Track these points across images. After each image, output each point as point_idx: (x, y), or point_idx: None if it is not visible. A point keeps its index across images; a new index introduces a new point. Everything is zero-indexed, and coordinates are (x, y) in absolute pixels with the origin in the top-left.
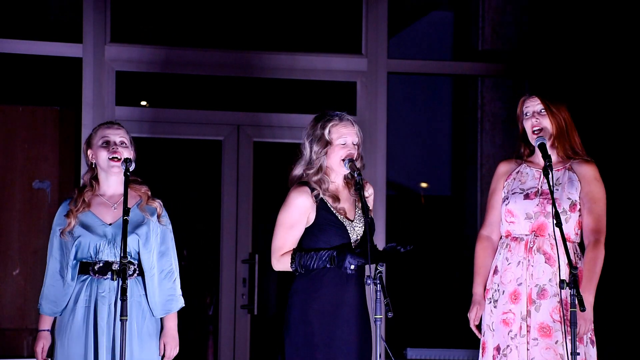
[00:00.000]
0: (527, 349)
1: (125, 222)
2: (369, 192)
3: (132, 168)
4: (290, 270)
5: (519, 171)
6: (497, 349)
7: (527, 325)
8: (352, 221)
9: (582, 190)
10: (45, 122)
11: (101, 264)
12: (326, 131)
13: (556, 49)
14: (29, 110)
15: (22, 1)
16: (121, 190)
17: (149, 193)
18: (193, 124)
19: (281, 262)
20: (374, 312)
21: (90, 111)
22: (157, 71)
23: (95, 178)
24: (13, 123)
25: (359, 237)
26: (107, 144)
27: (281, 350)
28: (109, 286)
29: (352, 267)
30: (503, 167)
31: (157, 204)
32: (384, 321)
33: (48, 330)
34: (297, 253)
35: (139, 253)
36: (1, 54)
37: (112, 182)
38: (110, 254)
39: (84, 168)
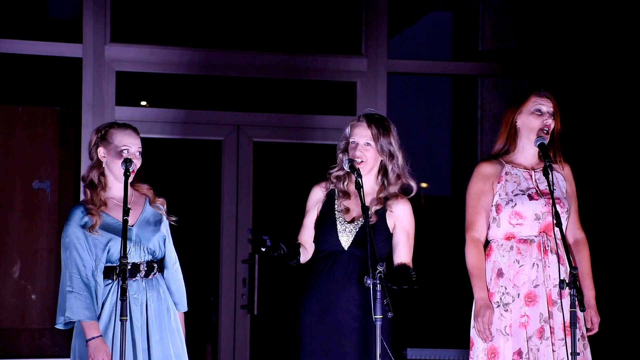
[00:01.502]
0: (553, 350)
1: (125, 222)
2: (394, 207)
3: (132, 169)
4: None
5: (507, 172)
6: (519, 353)
7: (550, 327)
8: (350, 222)
9: (567, 190)
10: (45, 122)
11: (129, 266)
12: (347, 130)
13: (556, 49)
14: (29, 110)
15: (22, 1)
16: (129, 192)
17: (152, 190)
18: (193, 124)
19: None
20: (374, 312)
21: (90, 111)
22: (157, 71)
23: (103, 174)
24: (13, 123)
25: (350, 239)
26: (127, 153)
27: (291, 348)
28: (137, 287)
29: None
30: (488, 168)
31: (162, 200)
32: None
33: (100, 335)
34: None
35: (164, 250)
36: (1, 54)
37: (121, 185)
38: (136, 255)
39: (84, 168)
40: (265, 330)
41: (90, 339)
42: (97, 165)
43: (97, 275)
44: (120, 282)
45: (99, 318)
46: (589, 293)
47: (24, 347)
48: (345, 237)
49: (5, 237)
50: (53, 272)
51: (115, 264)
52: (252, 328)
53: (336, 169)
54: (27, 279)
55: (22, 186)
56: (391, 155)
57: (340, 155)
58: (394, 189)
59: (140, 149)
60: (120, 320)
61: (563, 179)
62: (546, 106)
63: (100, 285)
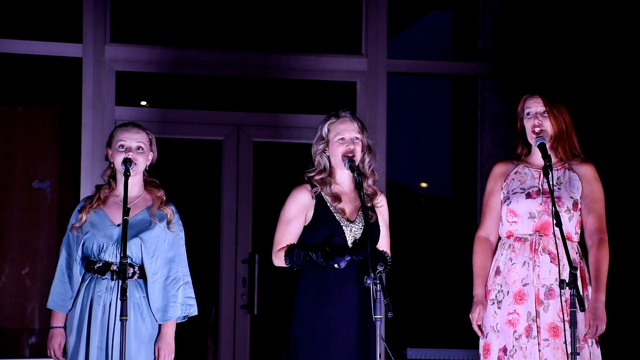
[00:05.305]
0: (539, 350)
1: (125, 222)
2: (380, 202)
3: (132, 168)
4: (286, 265)
5: (517, 171)
6: (504, 350)
7: (537, 326)
8: (351, 222)
9: (584, 190)
10: (45, 122)
11: (100, 264)
12: (325, 130)
13: (556, 49)
14: (29, 110)
15: (22, 1)
16: (136, 192)
17: (164, 198)
18: (193, 124)
19: (278, 257)
20: (374, 312)
21: (90, 111)
22: (157, 71)
23: (113, 177)
24: (13, 123)
25: (356, 239)
26: (122, 149)
27: (284, 347)
28: (106, 286)
29: (342, 264)
30: (500, 168)
31: (169, 210)
32: (384, 321)
33: (61, 327)
34: (290, 249)
35: (141, 257)
36: (1, 54)
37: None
38: (112, 255)
39: (84, 168)
40: (265, 330)
41: (52, 327)
42: (108, 167)
43: (74, 268)
44: (97, 279)
45: (74, 311)
46: (596, 296)
47: (24, 347)
48: (352, 237)
49: (5, 237)
50: (53, 271)
51: (92, 259)
52: (252, 328)
53: (316, 172)
54: (27, 279)
55: (22, 186)
56: (369, 149)
57: (318, 157)
58: (370, 182)
59: (142, 144)
60: (120, 320)
61: (578, 178)
62: (535, 107)
63: (74, 279)
